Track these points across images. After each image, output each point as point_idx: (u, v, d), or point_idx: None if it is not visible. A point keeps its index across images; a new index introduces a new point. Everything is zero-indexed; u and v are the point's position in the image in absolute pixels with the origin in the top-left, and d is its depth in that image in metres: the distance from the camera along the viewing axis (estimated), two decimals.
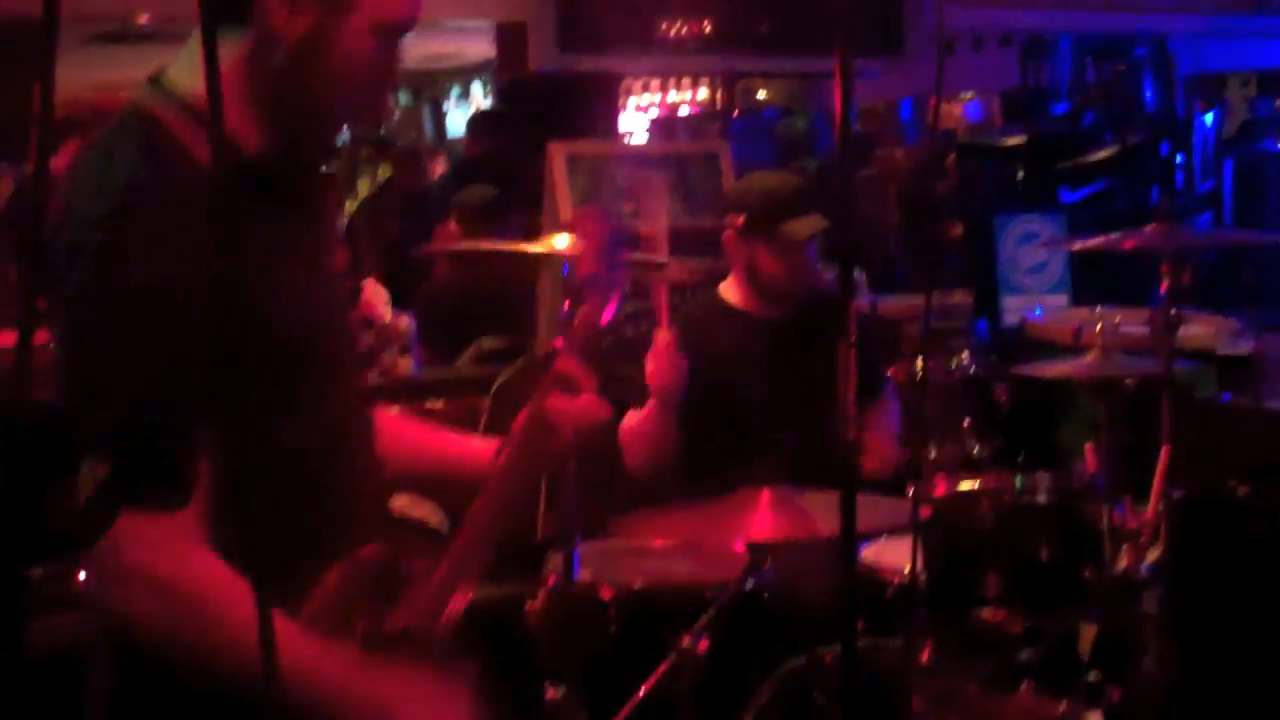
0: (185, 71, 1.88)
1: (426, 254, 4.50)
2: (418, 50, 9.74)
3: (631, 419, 3.67)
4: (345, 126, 2.02)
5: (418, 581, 2.02)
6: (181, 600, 1.73)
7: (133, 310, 1.74)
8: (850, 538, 1.82)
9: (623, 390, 3.69)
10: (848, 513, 1.80)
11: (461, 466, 2.22)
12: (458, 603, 2.02)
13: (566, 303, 2.97)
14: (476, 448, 2.26)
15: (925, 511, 3.10)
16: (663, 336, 3.54)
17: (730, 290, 3.93)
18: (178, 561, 1.73)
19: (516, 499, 2.13)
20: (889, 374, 4.12)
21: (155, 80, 1.89)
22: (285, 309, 1.87)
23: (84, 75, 10.67)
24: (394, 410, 2.41)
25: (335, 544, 1.90)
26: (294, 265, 1.93)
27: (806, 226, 3.77)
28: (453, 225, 5.94)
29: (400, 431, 2.29)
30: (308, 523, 1.88)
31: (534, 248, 3.02)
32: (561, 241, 2.96)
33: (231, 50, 1.84)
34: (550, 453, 2.15)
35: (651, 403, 3.60)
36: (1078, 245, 4.47)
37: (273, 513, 1.81)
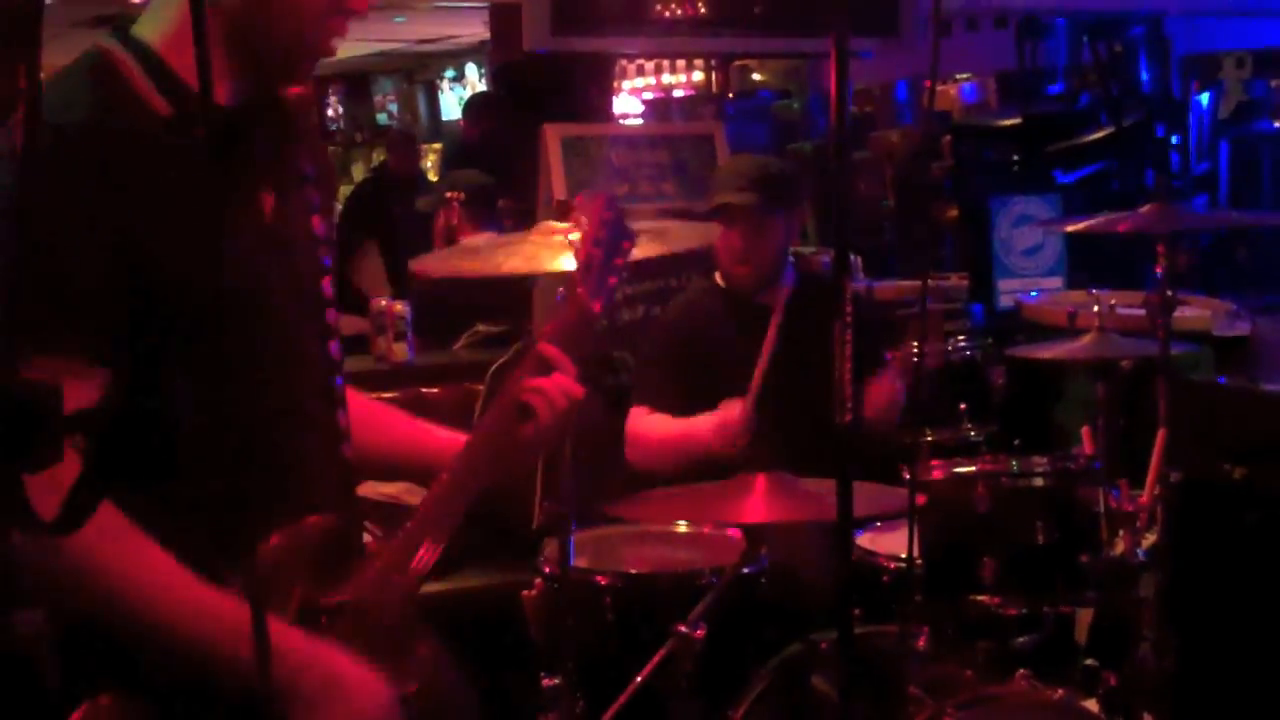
0: (150, 23, 1.89)
1: (422, 273, 4.52)
2: (411, 32, 9.72)
3: (648, 432, 3.69)
4: (309, 59, 1.99)
5: (369, 556, 2.01)
6: (63, 549, 1.69)
7: (48, 250, 1.72)
8: (846, 521, 1.81)
9: (617, 375, 3.68)
10: (843, 495, 1.79)
11: (433, 453, 2.19)
12: (418, 566, 2.00)
13: (561, 290, 2.96)
14: (447, 437, 2.24)
15: (921, 496, 3.10)
16: (735, 407, 3.53)
17: (721, 274, 3.96)
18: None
19: (480, 478, 2.09)
20: (888, 357, 4.11)
21: (119, 28, 1.90)
22: (231, 266, 1.85)
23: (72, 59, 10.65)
24: (371, 396, 2.36)
25: (280, 510, 1.89)
26: (248, 222, 1.92)
27: (718, 198, 3.79)
28: (455, 211, 5.93)
29: (374, 413, 2.27)
30: (246, 484, 1.86)
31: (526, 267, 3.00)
32: (557, 230, 2.95)
33: None
34: (522, 435, 2.11)
35: (701, 446, 3.58)
36: (1073, 226, 4.46)
37: (206, 471, 1.80)
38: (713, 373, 3.79)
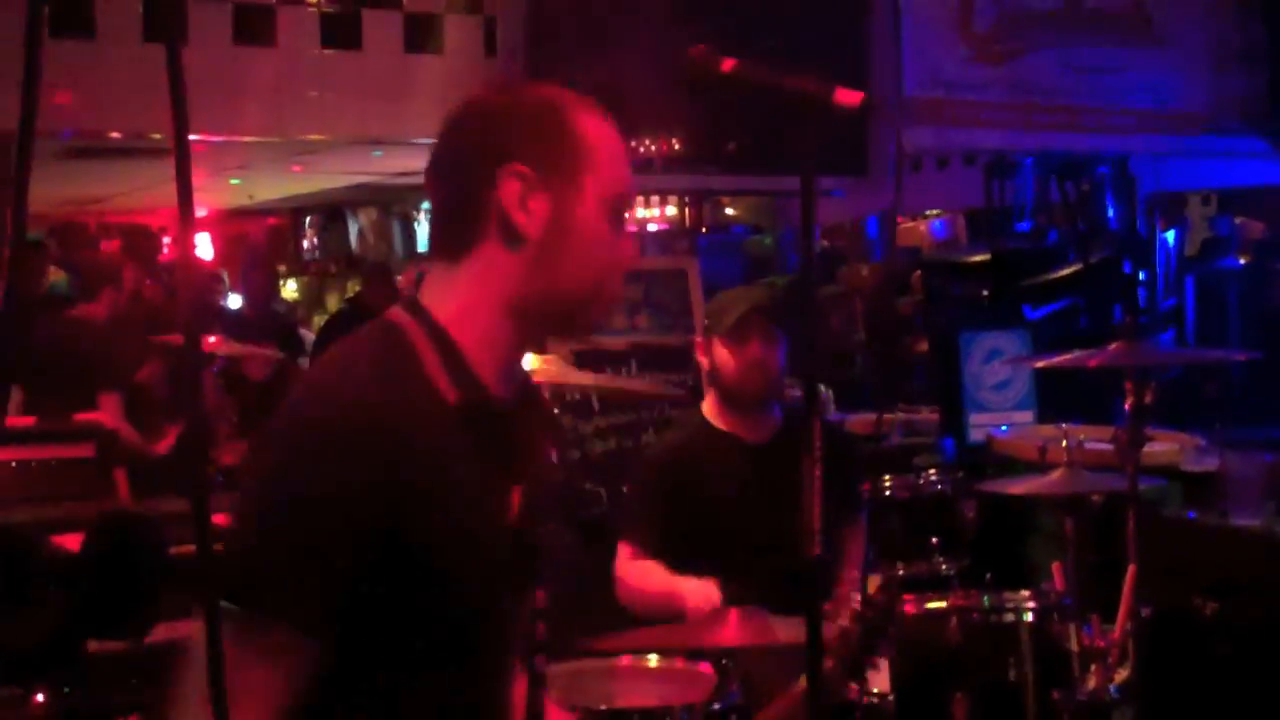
0: (437, 296, 1.86)
1: None
2: (388, 165, 9.82)
3: (642, 581, 3.68)
4: (589, 318, 1.94)
5: None
6: None
7: (307, 521, 1.70)
8: (816, 656, 1.80)
9: (589, 509, 3.69)
10: (813, 629, 1.78)
11: None
12: None
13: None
14: None
15: (894, 630, 3.09)
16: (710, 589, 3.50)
17: (710, 410, 3.95)
18: None
19: None
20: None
21: (415, 302, 1.87)
22: (478, 562, 1.82)
23: (53, 190, 10.71)
24: None
25: None
26: (499, 517, 1.88)
27: (745, 315, 3.81)
28: None
29: None
30: None
31: None
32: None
33: (476, 264, 1.84)
34: None
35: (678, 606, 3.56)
36: (1042, 363, 4.51)
37: None
38: (702, 513, 3.78)
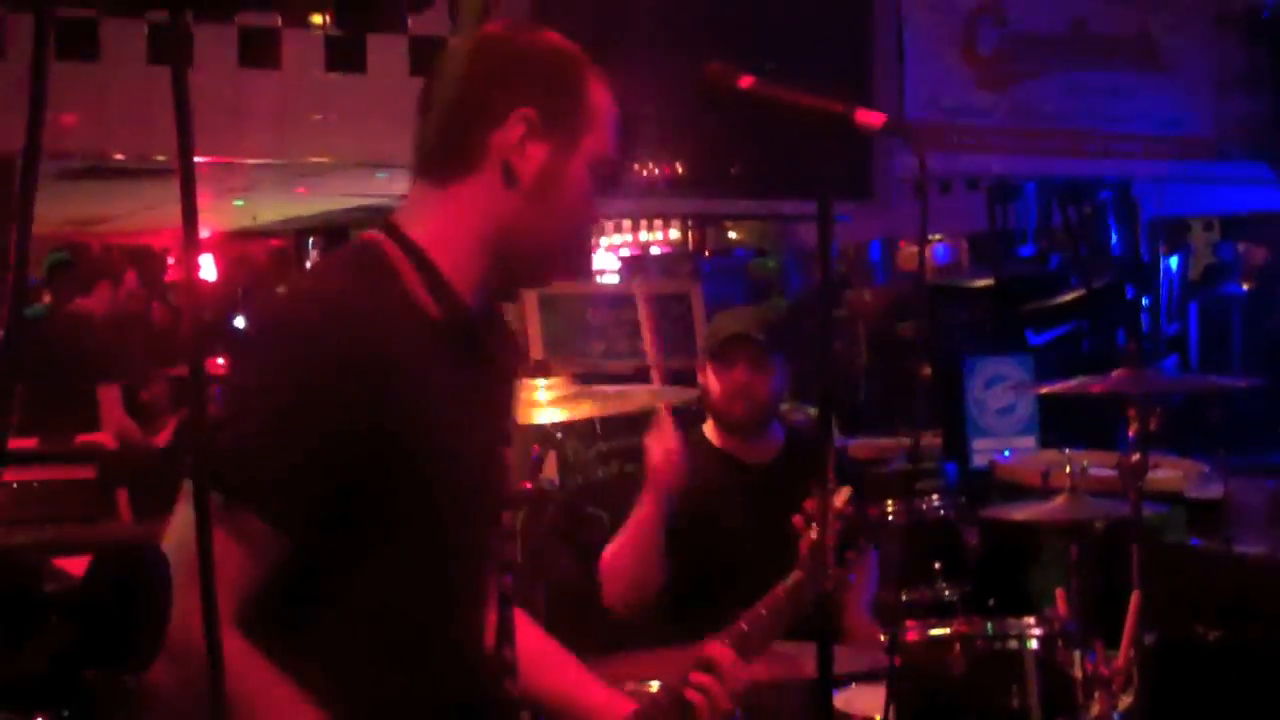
0: (414, 218, 1.90)
1: None
2: (393, 189, 9.84)
3: (615, 545, 3.65)
4: (563, 265, 2.01)
5: None
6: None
7: (287, 417, 1.73)
8: (827, 690, 1.80)
9: (590, 533, 3.67)
10: (824, 664, 1.78)
11: (586, 712, 2.21)
12: None
13: (535, 447, 2.97)
14: (600, 700, 2.24)
15: (896, 658, 3.08)
16: (664, 420, 3.52)
17: (711, 430, 3.95)
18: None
19: None
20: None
21: (390, 223, 1.90)
22: (466, 469, 1.86)
23: (58, 210, 10.72)
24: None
25: (424, 709, 1.88)
26: (485, 424, 1.92)
27: (729, 339, 3.80)
28: None
29: (541, 652, 2.23)
30: (397, 679, 1.85)
31: None
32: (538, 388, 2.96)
33: (463, 193, 1.88)
34: None
35: (643, 510, 3.57)
36: (1045, 389, 4.50)
37: (360, 656, 1.82)
38: (702, 533, 3.76)
